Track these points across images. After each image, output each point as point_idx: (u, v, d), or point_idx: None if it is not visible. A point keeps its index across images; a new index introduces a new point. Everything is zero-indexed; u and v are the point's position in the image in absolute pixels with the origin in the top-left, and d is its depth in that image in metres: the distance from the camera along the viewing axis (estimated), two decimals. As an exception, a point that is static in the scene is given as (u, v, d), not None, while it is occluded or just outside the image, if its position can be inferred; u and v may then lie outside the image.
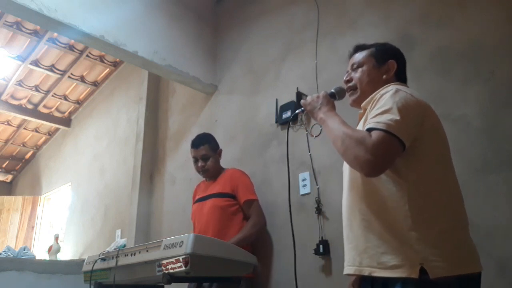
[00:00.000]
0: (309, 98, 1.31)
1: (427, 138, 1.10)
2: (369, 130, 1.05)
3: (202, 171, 2.37)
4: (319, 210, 2.10)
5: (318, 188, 2.15)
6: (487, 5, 1.76)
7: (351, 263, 1.13)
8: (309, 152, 2.24)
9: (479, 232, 1.51)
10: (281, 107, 2.49)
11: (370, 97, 1.22)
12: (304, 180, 2.24)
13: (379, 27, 2.13)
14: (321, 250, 2.00)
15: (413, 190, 1.05)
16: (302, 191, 2.24)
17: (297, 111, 1.40)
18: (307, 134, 2.28)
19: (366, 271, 1.07)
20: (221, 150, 2.46)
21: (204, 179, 2.48)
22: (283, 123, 2.47)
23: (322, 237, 2.05)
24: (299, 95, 2.39)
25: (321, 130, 2.23)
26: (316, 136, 2.25)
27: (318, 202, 2.11)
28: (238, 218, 2.23)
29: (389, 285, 1.02)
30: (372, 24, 2.18)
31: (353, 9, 2.31)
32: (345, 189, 1.23)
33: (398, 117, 1.04)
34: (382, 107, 1.09)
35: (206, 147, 2.36)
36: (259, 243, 2.33)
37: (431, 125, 1.12)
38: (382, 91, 1.16)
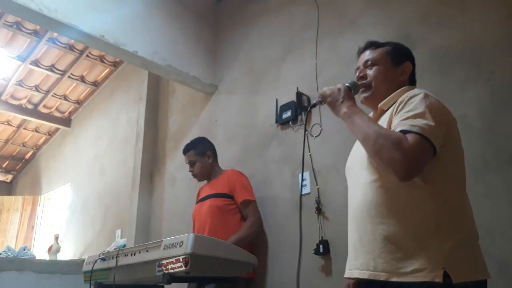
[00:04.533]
0: (328, 90, 1.24)
1: (451, 145, 1.09)
2: (404, 132, 1.03)
3: (192, 176, 2.48)
4: (319, 210, 2.10)
5: (318, 188, 2.15)
6: (487, 5, 1.76)
7: (364, 267, 1.08)
8: (309, 152, 2.24)
9: (479, 232, 1.50)
10: (281, 107, 2.49)
11: (390, 97, 1.20)
12: (304, 180, 2.24)
13: (379, 27, 2.13)
14: (321, 250, 2.00)
15: (437, 196, 1.04)
16: (302, 191, 2.23)
17: (315, 102, 1.30)
18: (307, 134, 2.28)
19: (382, 276, 1.03)
20: (210, 153, 2.47)
21: (206, 181, 2.51)
22: (283, 123, 2.47)
23: (322, 237, 2.05)
24: (299, 95, 2.39)
25: (321, 130, 2.25)
26: (316, 136, 2.25)
27: (318, 202, 2.11)
28: (236, 219, 2.24)
29: None
30: (372, 24, 2.18)
31: (353, 9, 2.31)
32: (356, 191, 1.19)
33: (432, 123, 1.03)
34: (413, 110, 1.07)
35: (191, 153, 2.45)
36: (259, 243, 2.33)
37: (455, 132, 1.13)
38: (409, 93, 1.14)
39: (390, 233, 1.05)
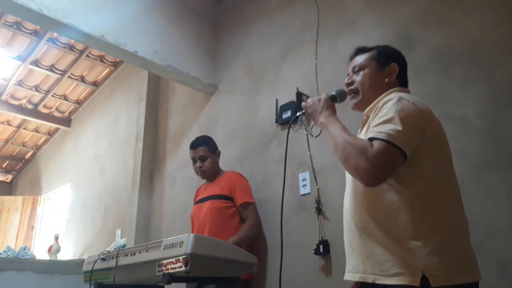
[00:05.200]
0: (310, 101, 1.30)
1: (429, 147, 1.09)
2: (371, 139, 1.05)
3: (200, 172, 2.41)
4: (319, 210, 2.10)
5: (318, 188, 2.15)
6: (487, 5, 1.76)
7: (355, 270, 1.13)
8: (309, 152, 2.24)
9: (479, 232, 1.51)
10: (281, 107, 2.49)
11: (373, 104, 1.22)
12: (304, 180, 2.24)
13: (379, 27, 2.13)
14: (321, 250, 2.00)
15: (415, 199, 1.05)
16: (302, 191, 2.24)
17: (298, 114, 1.39)
18: (307, 134, 2.28)
19: (369, 278, 1.07)
20: (219, 152, 2.48)
21: (204, 181, 2.50)
22: (283, 123, 2.47)
23: (322, 237, 2.05)
24: (299, 95, 2.39)
25: (321, 130, 2.24)
26: (316, 136, 2.25)
27: (318, 202, 2.11)
28: (235, 220, 2.23)
29: None
30: (372, 24, 2.18)
31: (353, 9, 2.31)
32: (347, 195, 1.23)
33: (400, 127, 1.04)
34: (384, 116, 1.08)
35: (203, 148, 2.40)
36: (258, 243, 2.33)
37: (433, 133, 1.12)
38: (384, 98, 1.15)
39: (374, 236, 1.08)
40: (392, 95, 1.15)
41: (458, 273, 1.01)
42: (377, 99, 1.21)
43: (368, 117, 1.24)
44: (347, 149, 1.07)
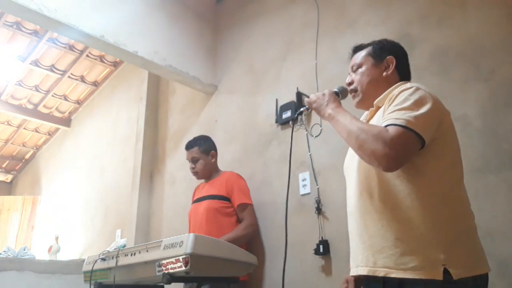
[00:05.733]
0: (313, 96, 1.29)
1: (444, 139, 1.09)
2: (387, 126, 1.04)
3: (192, 173, 2.44)
4: (319, 210, 2.10)
5: (318, 188, 2.15)
6: (487, 5, 1.76)
7: (364, 263, 1.09)
8: (309, 152, 2.24)
9: (479, 232, 1.50)
10: (281, 107, 2.49)
11: (386, 93, 1.20)
12: (304, 180, 2.24)
13: (379, 27, 2.13)
14: (321, 250, 2.00)
15: (431, 190, 1.04)
16: (302, 191, 2.23)
17: (301, 109, 1.37)
18: (307, 134, 2.28)
19: (381, 272, 1.04)
20: (214, 152, 2.46)
21: (203, 180, 2.49)
22: (283, 123, 2.47)
23: (322, 237, 2.05)
24: (299, 95, 2.39)
25: (321, 130, 2.25)
26: (316, 136, 2.25)
27: (318, 202, 2.11)
28: (232, 221, 2.23)
29: (406, 286, 1.00)
30: (372, 24, 2.18)
31: (353, 9, 2.31)
32: (354, 190, 1.20)
33: (418, 114, 1.03)
34: (401, 104, 1.07)
35: (195, 149, 2.41)
36: (257, 243, 2.33)
37: (448, 126, 1.12)
38: (401, 87, 1.14)
39: (389, 228, 1.05)
40: (408, 85, 1.15)
41: (476, 265, 1.02)
42: (391, 88, 1.20)
43: (377, 107, 1.23)
44: (361, 136, 1.05)
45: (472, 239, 1.05)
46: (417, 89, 1.11)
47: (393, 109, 1.08)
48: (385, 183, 1.09)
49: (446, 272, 0.96)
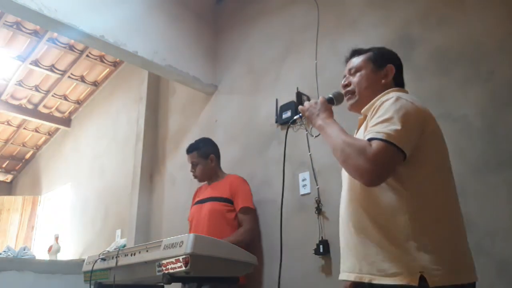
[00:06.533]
0: (306, 104, 1.31)
1: (427, 146, 1.10)
2: (370, 140, 1.05)
3: (193, 176, 2.47)
4: (319, 210, 2.10)
5: (318, 188, 2.15)
6: (488, 5, 1.76)
7: (351, 269, 1.12)
8: (309, 152, 2.24)
9: (479, 232, 1.51)
10: (281, 107, 2.49)
11: (370, 103, 1.22)
12: (304, 180, 2.24)
13: (379, 27, 2.13)
14: (321, 250, 2.00)
15: (412, 199, 1.06)
16: (302, 191, 2.23)
17: (295, 117, 1.41)
18: (307, 134, 2.28)
19: (366, 278, 1.06)
20: (213, 156, 2.45)
21: (205, 182, 2.50)
22: (283, 123, 2.47)
23: (322, 237, 2.05)
24: (299, 95, 2.39)
25: (321, 130, 2.25)
26: (316, 136, 2.25)
27: (318, 202, 2.11)
28: (234, 224, 2.23)
29: None
30: (372, 24, 2.18)
31: (353, 9, 2.31)
32: (344, 195, 1.23)
33: (398, 127, 1.04)
34: (382, 115, 1.09)
35: (194, 154, 2.44)
36: (257, 243, 2.33)
37: (431, 133, 1.12)
38: (382, 98, 1.16)
39: (372, 236, 1.08)
40: (390, 95, 1.16)
41: (455, 273, 1.01)
42: (375, 99, 1.21)
43: (365, 116, 1.24)
44: (346, 150, 1.08)
45: (455, 247, 1.05)
46: (398, 99, 1.11)
47: (375, 122, 1.09)
48: (369, 192, 1.11)
49: (422, 279, 0.97)
